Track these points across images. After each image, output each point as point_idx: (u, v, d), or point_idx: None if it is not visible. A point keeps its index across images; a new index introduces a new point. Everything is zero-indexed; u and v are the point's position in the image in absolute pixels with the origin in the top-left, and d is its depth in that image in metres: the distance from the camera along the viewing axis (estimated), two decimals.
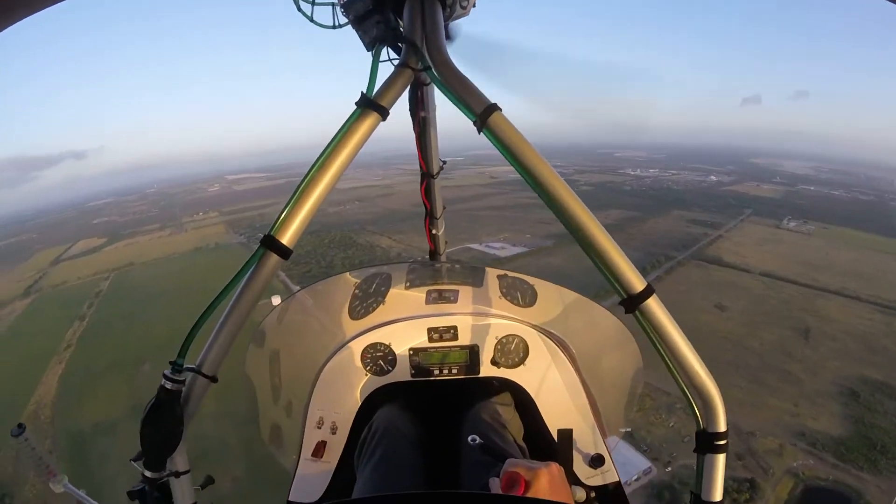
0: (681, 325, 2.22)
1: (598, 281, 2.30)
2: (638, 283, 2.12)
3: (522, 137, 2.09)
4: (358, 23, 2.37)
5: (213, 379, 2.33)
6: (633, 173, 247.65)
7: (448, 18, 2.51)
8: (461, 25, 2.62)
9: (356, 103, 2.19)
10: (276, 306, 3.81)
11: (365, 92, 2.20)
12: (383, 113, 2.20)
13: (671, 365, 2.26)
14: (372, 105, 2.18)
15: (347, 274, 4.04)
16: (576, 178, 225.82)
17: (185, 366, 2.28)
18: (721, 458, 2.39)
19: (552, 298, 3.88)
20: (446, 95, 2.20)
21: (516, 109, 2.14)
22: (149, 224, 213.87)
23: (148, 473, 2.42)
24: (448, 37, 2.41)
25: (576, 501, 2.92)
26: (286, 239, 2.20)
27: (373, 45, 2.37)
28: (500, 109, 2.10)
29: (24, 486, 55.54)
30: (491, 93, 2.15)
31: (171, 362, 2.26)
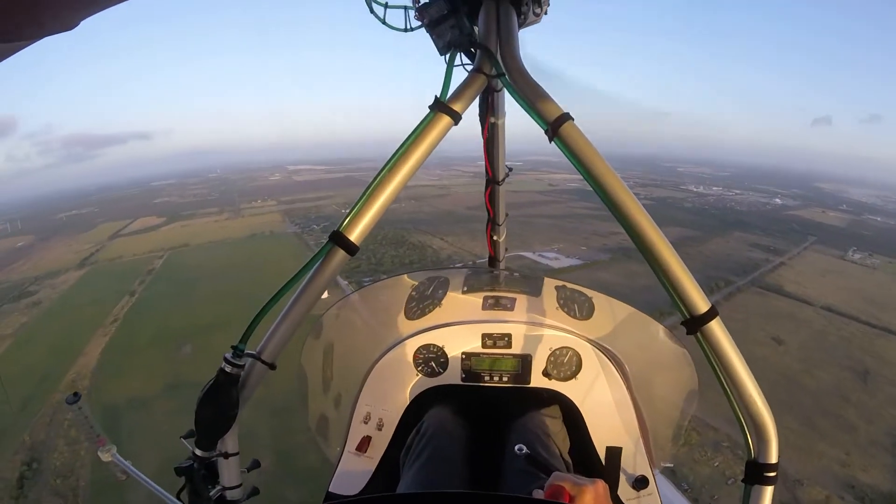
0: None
1: (653, 301, 2.49)
2: (702, 304, 2.13)
3: (594, 148, 2.13)
4: (432, 27, 2.43)
5: (272, 366, 2.44)
6: (695, 190, 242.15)
7: (521, 25, 2.55)
8: (532, 33, 2.70)
9: (429, 107, 2.26)
10: (335, 301, 3.86)
11: (439, 96, 2.27)
12: (456, 117, 2.28)
13: (728, 390, 2.26)
14: (445, 109, 2.24)
15: (406, 276, 4.08)
16: (637, 190, 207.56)
17: (245, 351, 2.40)
18: (769, 491, 2.36)
19: (610, 312, 3.87)
20: (518, 103, 2.24)
21: (580, 122, 2.14)
22: (207, 207, 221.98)
23: (198, 452, 2.55)
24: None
25: None
26: (354, 236, 2.29)
27: (447, 49, 2.43)
28: (573, 119, 2.14)
29: (52, 454, 57.99)
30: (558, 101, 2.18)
31: (232, 347, 2.37)
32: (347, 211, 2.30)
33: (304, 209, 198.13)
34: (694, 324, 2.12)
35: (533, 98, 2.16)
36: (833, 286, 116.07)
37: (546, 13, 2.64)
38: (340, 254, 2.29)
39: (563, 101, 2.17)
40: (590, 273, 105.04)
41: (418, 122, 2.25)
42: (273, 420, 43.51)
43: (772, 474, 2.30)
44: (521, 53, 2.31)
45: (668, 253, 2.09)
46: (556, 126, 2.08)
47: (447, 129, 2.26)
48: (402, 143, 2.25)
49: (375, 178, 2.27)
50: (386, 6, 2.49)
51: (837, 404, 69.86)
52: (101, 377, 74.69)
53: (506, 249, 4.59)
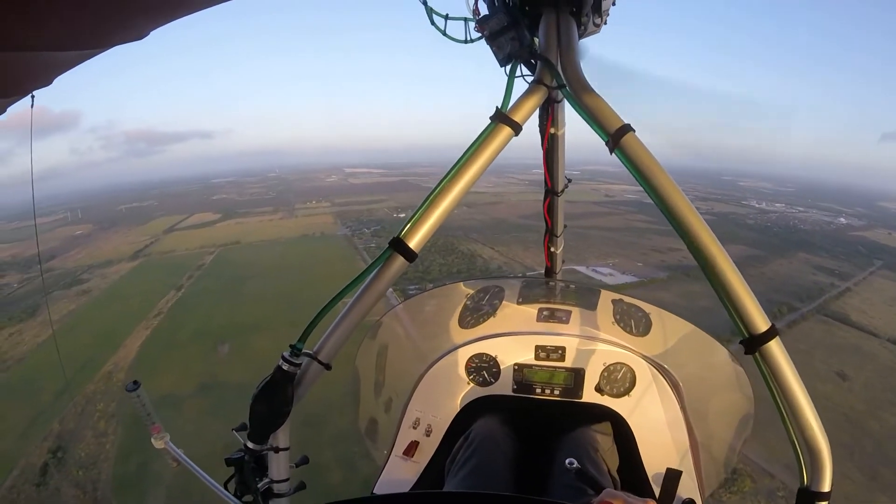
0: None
1: (714, 325, 2.46)
2: (762, 324, 2.13)
3: (655, 160, 2.15)
4: (492, 39, 2.44)
5: (328, 366, 2.50)
6: (757, 206, 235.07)
7: (581, 36, 2.56)
8: (592, 43, 2.75)
9: (490, 118, 2.31)
10: (391, 307, 3.89)
11: (500, 107, 2.32)
12: (516, 128, 2.33)
13: (785, 414, 2.24)
14: (506, 120, 2.30)
15: (461, 284, 4.09)
16: (697, 205, 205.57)
17: (303, 350, 2.48)
18: None
19: (667, 329, 3.79)
20: (579, 114, 2.28)
21: (641, 134, 2.21)
22: (263, 206, 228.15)
23: (250, 444, 2.65)
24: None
25: None
26: (413, 243, 2.34)
27: (507, 60, 2.45)
28: (634, 131, 2.17)
29: (79, 444, 59.40)
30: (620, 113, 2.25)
31: (290, 345, 2.46)
32: (407, 218, 2.38)
33: (357, 212, 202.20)
34: (753, 343, 2.16)
35: (594, 109, 2.22)
36: None
37: (606, 23, 2.72)
38: (399, 260, 2.37)
39: (629, 110, 2.26)
40: (646, 292, 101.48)
41: (479, 133, 2.34)
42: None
43: (824, 503, 2.30)
44: (582, 63, 2.37)
45: (729, 269, 2.14)
46: (616, 138, 2.16)
47: (508, 140, 2.35)
48: (463, 152, 2.34)
49: (437, 187, 2.35)
50: (447, 18, 2.53)
51: None
52: (137, 371, 75.94)
53: (563, 261, 4.63)
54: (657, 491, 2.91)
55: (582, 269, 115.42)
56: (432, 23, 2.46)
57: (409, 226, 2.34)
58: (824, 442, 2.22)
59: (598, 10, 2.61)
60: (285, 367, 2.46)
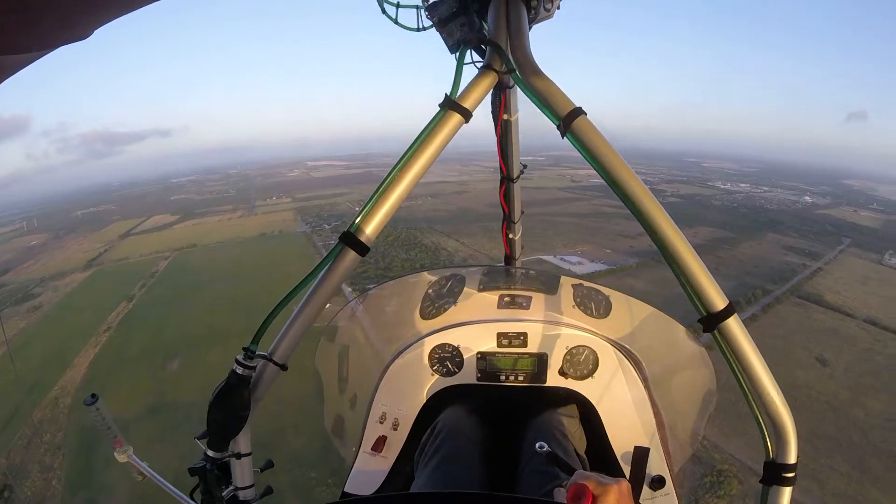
0: (776, 377, 2.29)
1: (688, 314, 2.40)
2: (719, 301, 2.16)
3: (607, 143, 2.14)
4: (442, 25, 2.47)
5: (284, 367, 2.49)
6: (722, 187, 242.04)
7: (532, 21, 2.52)
8: (546, 28, 2.74)
9: (440, 105, 2.29)
10: (349, 301, 3.86)
11: (449, 94, 2.30)
12: (466, 115, 2.31)
13: (746, 389, 2.29)
14: (455, 107, 2.28)
15: (421, 274, 4.10)
16: (663, 187, 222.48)
17: (257, 352, 2.43)
18: (787, 492, 2.38)
19: (628, 311, 3.89)
20: (530, 98, 2.26)
21: (601, 117, 2.23)
22: (223, 204, 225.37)
23: (210, 452, 2.60)
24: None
25: None
26: (365, 236, 2.33)
27: (457, 47, 2.46)
28: (585, 113, 2.15)
29: (25, 481, 55.51)
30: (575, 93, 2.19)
31: (244, 348, 2.41)
32: (358, 211, 2.39)
33: (318, 207, 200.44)
34: (711, 321, 2.19)
35: (544, 93, 2.22)
36: (874, 295, 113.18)
37: (559, 7, 2.66)
38: (351, 255, 2.37)
39: (579, 94, 2.41)
40: (617, 280, 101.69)
41: (429, 121, 2.34)
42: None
43: (790, 475, 2.37)
44: (534, 48, 2.38)
45: (685, 250, 2.15)
46: (568, 121, 2.16)
47: (458, 127, 2.34)
48: (412, 141, 2.34)
49: (386, 178, 2.35)
50: (398, 6, 2.60)
51: (891, 439, 65.34)
52: (84, 396, 72.28)
53: (522, 247, 4.66)
54: (626, 470, 3.23)
55: (550, 258, 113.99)
56: (383, 11, 2.56)
57: (359, 219, 2.36)
58: (787, 415, 2.32)
59: None
60: (240, 370, 2.44)
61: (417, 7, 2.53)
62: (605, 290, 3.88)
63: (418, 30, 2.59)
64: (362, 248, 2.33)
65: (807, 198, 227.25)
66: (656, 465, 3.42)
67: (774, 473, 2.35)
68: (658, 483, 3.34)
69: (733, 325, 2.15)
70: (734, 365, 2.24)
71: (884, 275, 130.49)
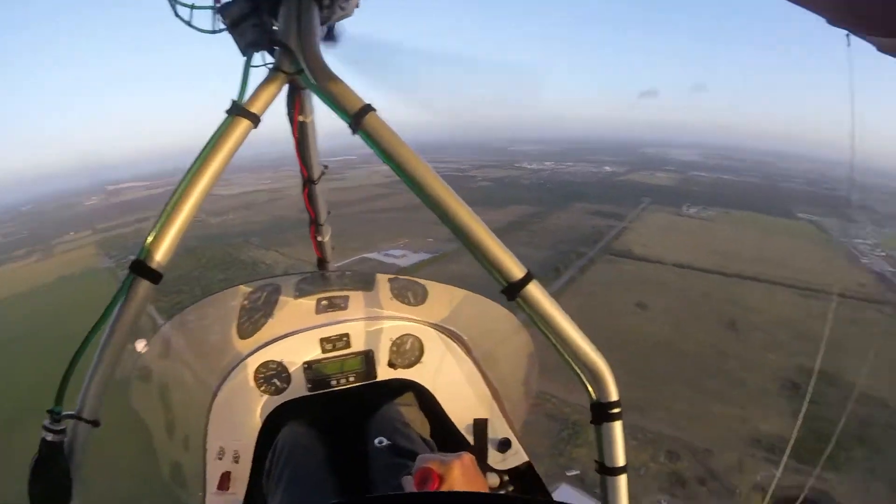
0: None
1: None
2: (518, 271, 2.21)
3: (398, 137, 2.17)
4: (234, 27, 2.36)
5: (96, 423, 2.24)
6: (529, 167, 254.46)
7: (327, 20, 2.54)
8: (346, 26, 2.73)
9: (227, 111, 2.23)
10: (155, 336, 3.56)
11: (236, 99, 2.23)
12: (255, 120, 2.25)
13: (557, 345, 2.34)
14: (242, 112, 2.22)
15: (238, 287, 3.91)
16: (473, 173, 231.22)
17: (63, 413, 2.16)
18: (618, 426, 2.49)
19: (443, 296, 4.03)
20: (320, 98, 2.26)
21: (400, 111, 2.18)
22: (16, 249, 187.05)
23: None
24: (332, 38, 2.58)
25: (490, 487, 3.26)
26: (156, 262, 2.17)
27: (250, 49, 2.36)
28: (375, 110, 2.17)
29: None
30: (374, 95, 2.22)
31: (48, 411, 2.14)
32: (146, 235, 2.20)
33: (122, 236, 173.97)
34: (512, 290, 2.24)
35: (334, 93, 2.22)
36: (678, 243, 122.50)
37: (358, 6, 2.68)
38: (145, 285, 2.18)
39: (380, 94, 2.31)
40: (442, 267, 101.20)
41: (215, 129, 2.25)
42: None
43: (616, 410, 2.47)
44: (333, 47, 2.48)
45: (480, 229, 2.20)
46: (358, 118, 2.16)
47: (246, 133, 2.27)
48: (199, 152, 2.23)
49: (173, 195, 2.19)
50: (192, 7, 2.36)
51: (718, 361, 70.54)
52: None
53: (333, 248, 4.50)
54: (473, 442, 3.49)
55: (374, 255, 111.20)
56: (177, 14, 2.34)
57: (148, 244, 2.17)
58: (599, 359, 2.39)
59: None
60: (50, 437, 2.17)
61: (212, 8, 2.32)
62: (421, 281, 3.99)
63: (214, 32, 2.37)
64: (155, 276, 2.16)
65: (606, 168, 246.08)
66: (500, 429, 3.64)
67: (602, 412, 2.44)
68: (505, 445, 3.55)
69: (533, 290, 2.20)
70: (541, 325, 2.29)
71: (683, 224, 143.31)
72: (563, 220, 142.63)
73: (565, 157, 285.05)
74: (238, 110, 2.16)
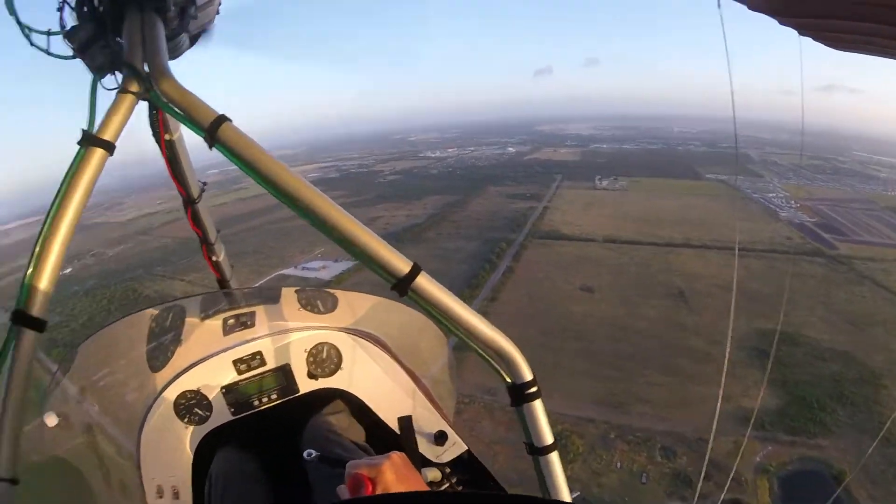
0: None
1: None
2: (404, 266, 2.25)
3: (257, 146, 2.15)
4: (82, 51, 2.28)
5: (13, 481, 2.12)
6: (433, 155, 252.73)
7: (178, 34, 2.52)
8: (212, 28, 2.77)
9: (78, 142, 2.16)
10: (53, 375, 3.27)
11: (86, 128, 2.17)
12: (110, 147, 2.19)
13: (460, 334, 2.41)
14: (95, 141, 2.15)
15: (139, 314, 3.68)
16: (379, 168, 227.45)
17: None
18: (538, 405, 2.55)
19: (355, 302, 4.02)
20: (172, 115, 2.25)
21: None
22: None
23: None
24: (196, 43, 2.60)
25: (431, 482, 3.29)
26: (36, 309, 2.09)
27: (98, 73, 2.30)
28: (230, 120, 2.16)
29: None
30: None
31: None
32: (20, 281, 2.14)
33: (10, 286, 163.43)
34: (402, 286, 2.29)
35: (186, 107, 2.19)
36: (602, 217, 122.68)
37: (219, 12, 2.70)
38: (30, 335, 2.10)
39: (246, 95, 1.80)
40: (370, 274, 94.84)
41: (70, 163, 2.19)
42: None
43: (533, 390, 2.53)
44: (204, 56, 2.54)
45: (359, 229, 2.22)
46: (212, 131, 2.15)
47: (103, 163, 2.20)
48: (57, 188, 2.16)
49: (39, 236, 2.12)
50: (49, 34, 2.29)
51: (680, 337, 69.29)
52: None
53: (232, 266, 4.50)
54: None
55: (291, 270, 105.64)
56: (31, 43, 2.28)
57: (25, 290, 2.11)
58: (506, 341, 2.46)
59: (192, 3, 2.55)
60: None
61: (59, 34, 2.23)
62: (330, 290, 3.97)
63: (74, 57, 2.28)
64: (39, 324, 2.08)
65: (510, 148, 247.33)
66: (433, 422, 3.60)
67: (519, 394, 2.51)
68: (441, 437, 3.50)
69: (423, 282, 2.25)
70: (439, 316, 2.35)
71: (600, 197, 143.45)
72: (483, 206, 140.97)
73: (466, 143, 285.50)
74: (90, 140, 2.11)
